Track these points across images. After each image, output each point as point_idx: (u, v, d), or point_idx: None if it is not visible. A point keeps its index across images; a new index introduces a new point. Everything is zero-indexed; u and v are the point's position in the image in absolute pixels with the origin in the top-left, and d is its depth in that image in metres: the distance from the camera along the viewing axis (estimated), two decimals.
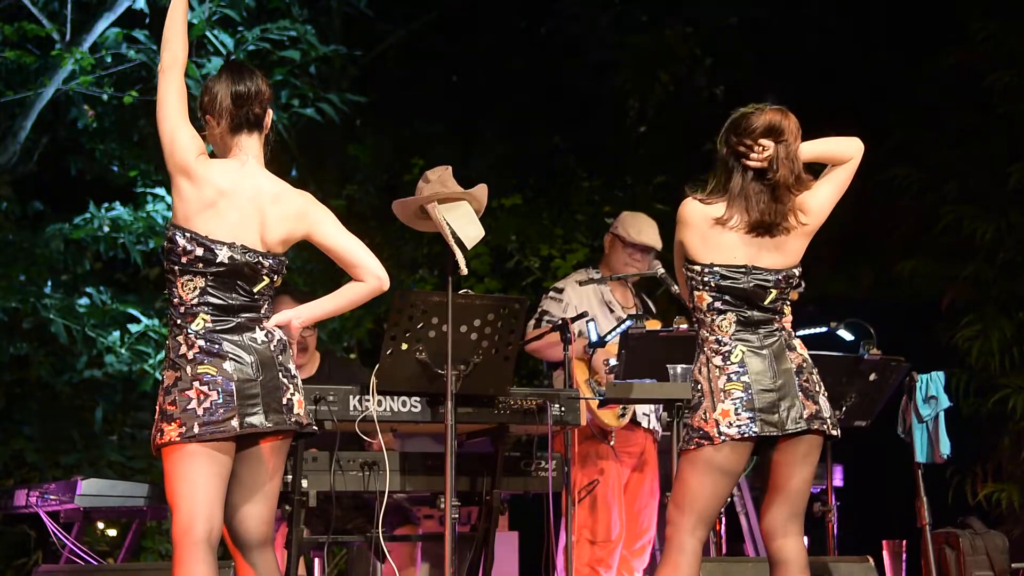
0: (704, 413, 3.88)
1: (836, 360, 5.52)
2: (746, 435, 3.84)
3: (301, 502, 4.58)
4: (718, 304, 3.93)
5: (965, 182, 8.35)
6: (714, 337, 3.93)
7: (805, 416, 3.90)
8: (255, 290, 3.66)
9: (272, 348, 3.65)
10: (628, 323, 5.41)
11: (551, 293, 5.94)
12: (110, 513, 6.04)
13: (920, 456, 5.71)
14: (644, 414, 5.83)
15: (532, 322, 5.72)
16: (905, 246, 8.65)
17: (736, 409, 3.84)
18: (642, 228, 5.95)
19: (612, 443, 5.71)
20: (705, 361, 3.94)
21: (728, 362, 3.89)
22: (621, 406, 5.64)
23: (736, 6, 9.89)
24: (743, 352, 3.90)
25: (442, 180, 4.45)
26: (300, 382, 3.73)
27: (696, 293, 3.96)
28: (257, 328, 3.65)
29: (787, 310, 4.02)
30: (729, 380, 3.87)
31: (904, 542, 6.06)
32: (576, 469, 5.56)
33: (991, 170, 8.28)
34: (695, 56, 10.21)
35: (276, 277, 3.70)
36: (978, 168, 8.36)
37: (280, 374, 3.64)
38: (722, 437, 3.84)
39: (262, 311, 3.68)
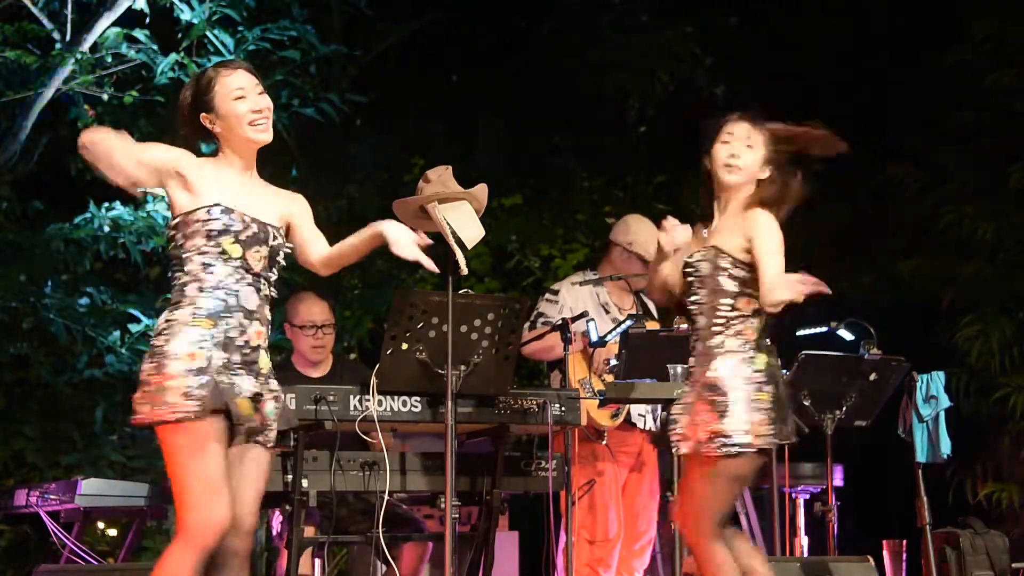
0: (737, 421, 3.89)
1: (836, 360, 5.53)
2: (770, 445, 3.89)
3: (301, 502, 4.58)
4: (758, 309, 3.97)
5: (965, 182, 8.36)
6: (746, 342, 3.95)
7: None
8: None
9: None
10: (628, 323, 5.41)
11: (547, 295, 5.94)
12: (110, 513, 6.05)
13: (920, 456, 5.72)
14: (640, 415, 5.82)
15: (527, 324, 5.68)
16: (905, 246, 8.65)
17: (766, 419, 3.87)
18: (647, 240, 5.93)
19: (606, 442, 5.71)
20: (734, 367, 3.94)
21: (756, 370, 3.91)
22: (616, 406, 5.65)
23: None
24: (766, 360, 3.94)
25: (442, 180, 4.45)
26: None
27: (745, 298, 3.99)
28: None
29: None
30: (759, 389, 3.90)
31: (904, 542, 6.07)
32: (573, 469, 5.57)
33: (991, 170, 8.28)
34: (695, 56, 10.21)
35: None
36: (978, 168, 8.36)
37: None
38: (756, 446, 3.87)
39: None
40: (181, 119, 3.83)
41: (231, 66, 3.82)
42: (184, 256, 3.66)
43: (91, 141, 3.75)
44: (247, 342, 3.64)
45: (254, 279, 3.68)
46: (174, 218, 3.69)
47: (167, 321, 3.62)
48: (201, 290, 3.64)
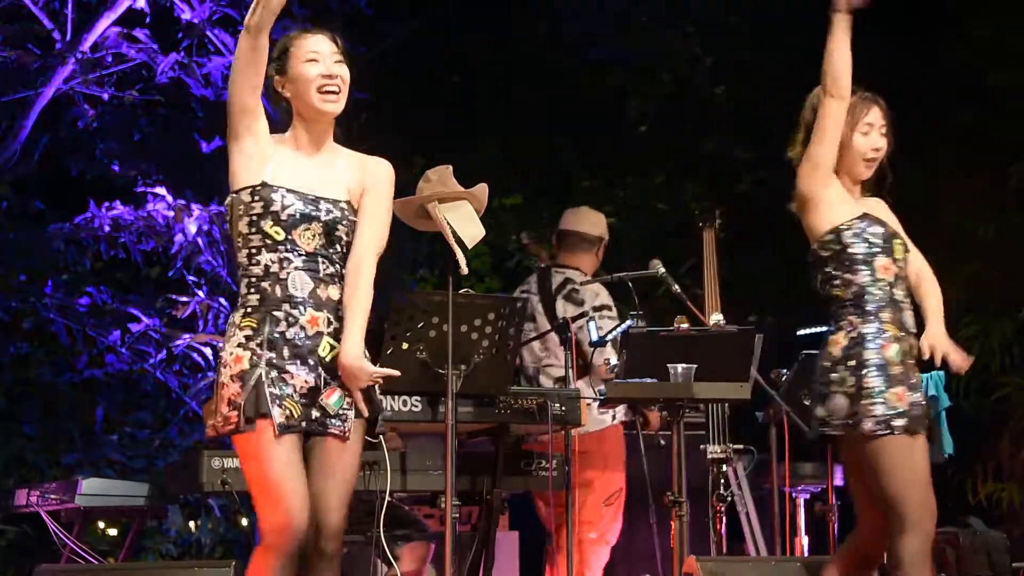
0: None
1: None
2: None
3: None
4: None
5: (965, 182, 8.36)
6: None
7: None
8: None
9: None
10: (628, 323, 5.40)
11: (604, 312, 5.81)
12: (110, 513, 6.05)
13: None
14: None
15: (612, 347, 5.48)
16: None
17: None
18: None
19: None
20: None
21: None
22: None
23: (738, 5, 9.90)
24: None
25: (443, 179, 4.45)
26: None
27: None
28: None
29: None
30: None
31: None
32: (616, 470, 5.60)
33: (991, 170, 8.28)
34: (695, 56, 10.21)
35: None
36: (978, 168, 8.36)
37: None
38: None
39: None
40: (269, 89, 3.70)
41: (312, 29, 3.68)
42: (236, 244, 3.56)
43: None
44: (301, 332, 3.50)
45: (307, 260, 3.53)
46: (230, 192, 3.57)
47: (227, 324, 3.57)
48: (249, 286, 3.54)
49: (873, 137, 4.05)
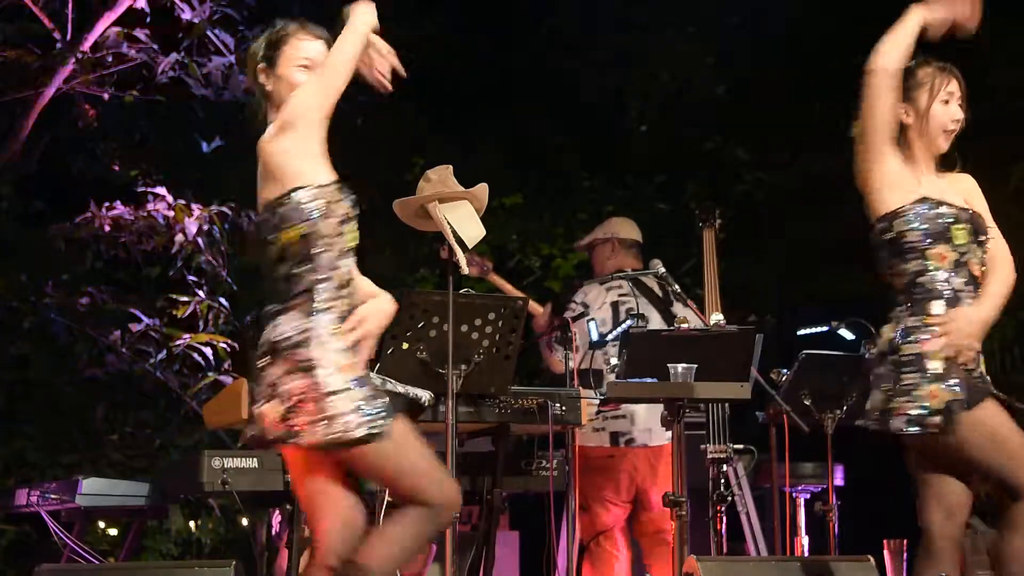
0: None
1: (837, 359, 5.53)
2: None
3: None
4: None
5: None
6: None
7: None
8: None
9: None
10: (628, 323, 5.40)
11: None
12: (111, 512, 6.05)
13: None
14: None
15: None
16: None
17: None
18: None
19: None
20: None
21: None
22: None
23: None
24: None
25: (443, 179, 4.45)
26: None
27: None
28: None
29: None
30: None
31: (905, 541, 6.06)
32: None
33: (991, 170, 8.27)
34: (695, 56, 10.21)
35: None
36: (978, 168, 8.35)
37: None
38: None
39: None
40: (248, 66, 3.60)
41: (312, 32, 3.59)
42: None
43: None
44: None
45: (267, 279, 3.41)
46: None
47: None
48: None
49: (953, 108, 3.94)
